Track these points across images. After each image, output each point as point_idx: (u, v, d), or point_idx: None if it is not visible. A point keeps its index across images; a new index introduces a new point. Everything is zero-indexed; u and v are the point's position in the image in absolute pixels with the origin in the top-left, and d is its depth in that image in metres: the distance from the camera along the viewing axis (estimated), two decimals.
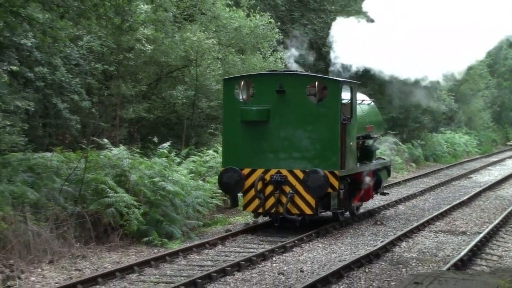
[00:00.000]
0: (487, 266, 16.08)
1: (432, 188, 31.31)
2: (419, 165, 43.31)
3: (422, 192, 29.56)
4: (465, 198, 27.01)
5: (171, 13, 26.56)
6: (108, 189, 17.73)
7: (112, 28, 19.58)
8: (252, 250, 17.04)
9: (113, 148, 20.14)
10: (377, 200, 25.67)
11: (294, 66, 21.59)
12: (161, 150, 20.86)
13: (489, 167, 44.85)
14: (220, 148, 22.62)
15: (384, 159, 24.37)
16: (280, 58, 29.04)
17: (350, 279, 14.52)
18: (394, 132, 41.35)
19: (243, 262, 15.39)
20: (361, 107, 21.61)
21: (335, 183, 18.59)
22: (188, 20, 28.63)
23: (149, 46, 24.49)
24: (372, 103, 23.64)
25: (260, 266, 15.64)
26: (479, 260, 16.72)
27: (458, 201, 26.09)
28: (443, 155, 48.87)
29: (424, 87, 25.52)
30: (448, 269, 14.80)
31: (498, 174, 39.56)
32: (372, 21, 21.45)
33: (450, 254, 17.07)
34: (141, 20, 22.32)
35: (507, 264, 16.31)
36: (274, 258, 16.37)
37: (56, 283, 13.83)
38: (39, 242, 15.35)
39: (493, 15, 19.74)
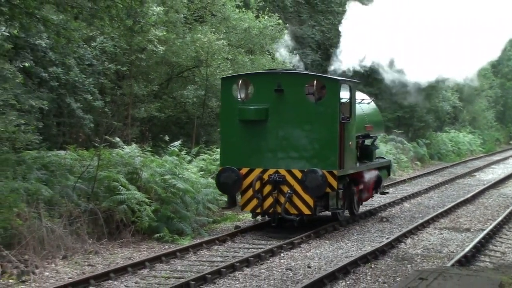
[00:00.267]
0: (490, 262, 16.12)
1: (436, 186, 31.37)
2: (424, 163, 43.40)
3: (427, 190, 29.64)
4: (469, 196, 27.06)
5: (182, 15, 26.50)
6: (120, 187, 17.76)
7: (124, 30, 19.47)
8: (260, 246, 17.10)
9: (125, 147, 20.23)
10: (382, 198, 25.68)
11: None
12: (172, 149, 20.87)
13: (493, 166, 44.88)
14: None
15: (384, 158, 23.98)
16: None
17: (357, 274, 14.59)
18: (399, 131, 41.66)
19: (252, 258, 15.46)
20: (360, 106, 21.24)
21: (334, 183, 18.18)
22: (199, 22, 28.55)
23: (161, 47, 24.47)
24: (372, 103, 23.27)
25: (268, 262, 15.71)
26: (482, 256, 16.76)
27: (462, 199, 26.15)
28: (448, 153, 48.90)
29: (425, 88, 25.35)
30: (453, 265, 14.83)
31: (501, 172, 39.60)
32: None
33: (454, 251, 17.14)
34: (153, 22, 22.28)
35: (510, 260, 16.36)
36: (282, 254, 16.43)
37: (70, 278, 13.95)
38: (53, 238, 15.43)
39: (503, 15, 19.72)
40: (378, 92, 39.71)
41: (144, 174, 19.00)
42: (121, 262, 15.42)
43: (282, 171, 18.40)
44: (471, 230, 20.29)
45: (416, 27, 20.38)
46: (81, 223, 16.53)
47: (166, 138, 22.29)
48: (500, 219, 21.30)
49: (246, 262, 15.28)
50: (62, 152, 19.59)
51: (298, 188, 18.24)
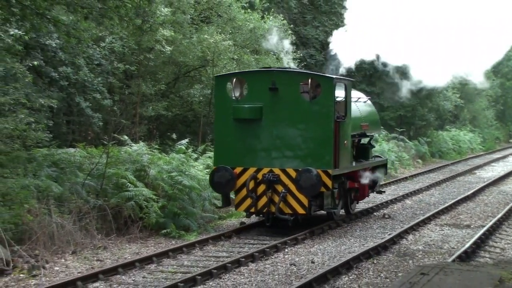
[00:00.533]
0: (490, 258, 16.26)
1: (437, 184, 31.48)
2: (425, 161, 43.52)
3: (428, 187, 29.78)
4: (469, 193, 27.17)
5: (189, 16, 26.55)
6: (128, 184, 17.90)
7: (133, 29, 19.49)
8: (265, 242, 17.19)
9: (133, 144, 20.39)
10: (385, 195, 25.77)
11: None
12: (179, 146, 20.97)
13: (493, 163, 44.97)
14: None
15: (380, 157, 23.70)
16: (293, 58, 28.97)
17: (359, 270, 14.69)
18: (401, 129, 41.89)
19: (256, 253, 15.57)
20: (356, 105, 20.94)
21: (328, 182, 17.84)
22: (205, 22, 28.58)
23: (168, 47, 24.48)
24: (369, 101, 22.90)
25: (273, 257, 15.84)
26: (482, 252, 16.90)
27: (462, 196, 26.24)
28: (448, 151, 49.04)
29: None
30: (453, 260, 14.95)
31: (501, 170, 39.68)
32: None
33: (455, 247, 17.28)
34: (161, 21, 22.37)
35: (509, 256, 16.48)
36: (286, 250, 16.58)
37: (79, 272, 14.11)
38: (62, 233, 15.61)
39: (506, 16, 19.74)
40: (381, 92, 39.98)
41: (152, 171, 19.10)
42: (129, 257, 15.55)
43: (276, 170, 18.10)
44: (471, 226, 20.39)
45: (424, 29, 20.32)
46: (90, 219, 16.67)
47: (173, 136, 22.51)
48: (499, 215, 21.40)
49: (251, 258, 15.40)
50: (71, 150, 19.76)
51: (292, 187, 17.95)
